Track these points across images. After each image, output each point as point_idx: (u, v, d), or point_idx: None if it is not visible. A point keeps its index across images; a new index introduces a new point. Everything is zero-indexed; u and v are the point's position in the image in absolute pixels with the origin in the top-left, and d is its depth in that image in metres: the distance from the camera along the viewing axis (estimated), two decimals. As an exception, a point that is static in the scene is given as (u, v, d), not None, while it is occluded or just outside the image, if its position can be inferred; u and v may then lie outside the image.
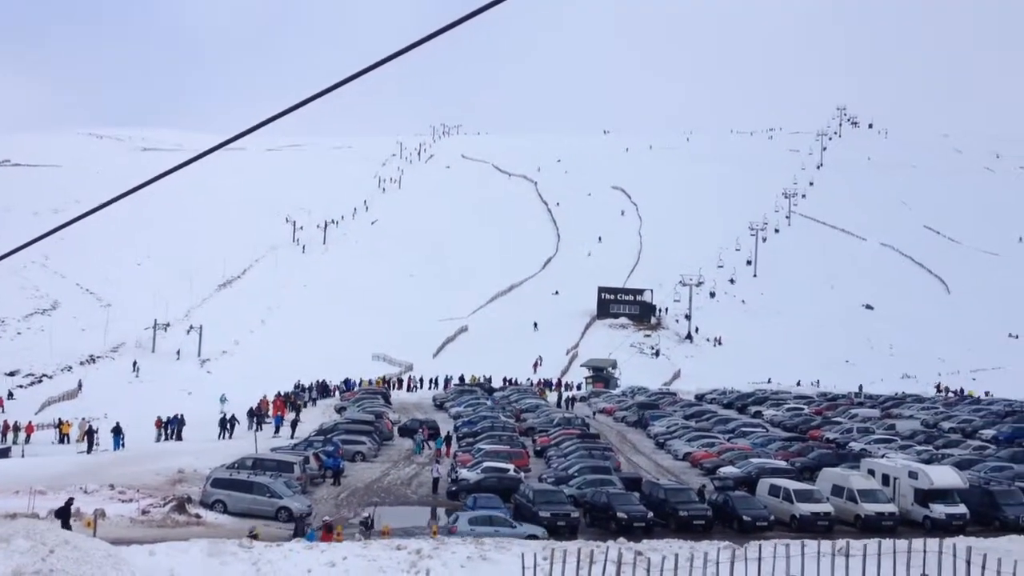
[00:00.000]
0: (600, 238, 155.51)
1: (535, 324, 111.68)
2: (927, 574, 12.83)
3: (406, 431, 56.65)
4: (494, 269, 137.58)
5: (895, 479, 37.03)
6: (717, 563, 13.79)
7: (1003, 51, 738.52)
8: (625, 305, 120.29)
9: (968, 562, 12.84)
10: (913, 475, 36.46)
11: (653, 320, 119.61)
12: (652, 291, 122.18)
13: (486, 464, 41.06)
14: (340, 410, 65.94)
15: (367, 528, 30.73)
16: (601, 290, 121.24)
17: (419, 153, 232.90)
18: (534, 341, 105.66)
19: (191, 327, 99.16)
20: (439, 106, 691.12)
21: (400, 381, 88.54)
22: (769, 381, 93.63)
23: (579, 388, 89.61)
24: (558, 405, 74.40)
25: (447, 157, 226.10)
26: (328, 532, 29.51)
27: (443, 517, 34.78)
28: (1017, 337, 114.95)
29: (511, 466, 41.40)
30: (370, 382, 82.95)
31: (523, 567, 14.65)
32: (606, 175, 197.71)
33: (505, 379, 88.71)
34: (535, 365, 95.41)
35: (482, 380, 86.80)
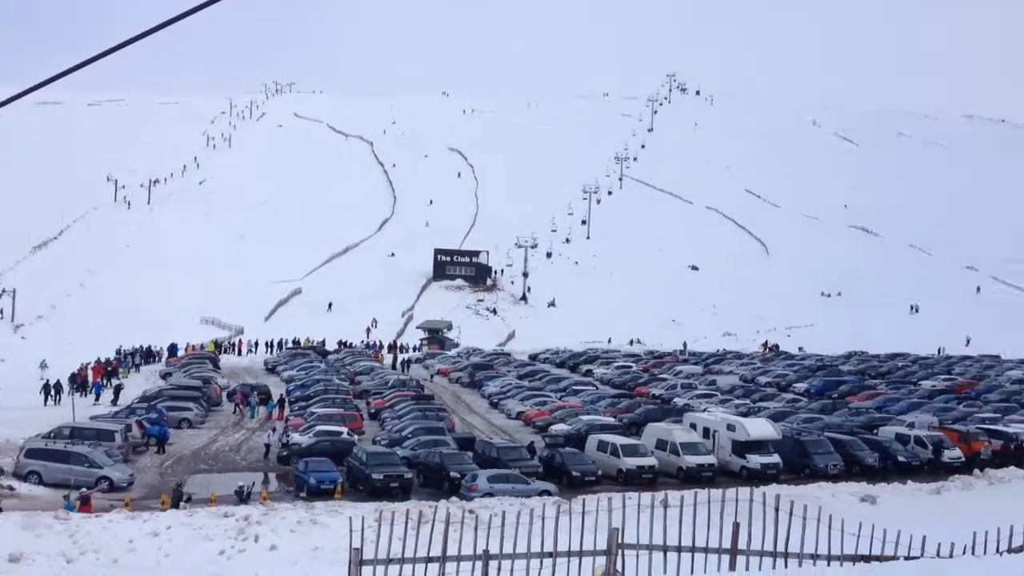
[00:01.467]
0: (431, 201, 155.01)
1: (330, 304, 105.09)
2: (738, 522, 13.44)
3: (236, 395, 55.34)
4: (329, 231, 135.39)
5: (715, 432, 38.72)
6: (543, 518, 14.07)
7: (821, 22, 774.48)
8: (461, 267, 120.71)
9: (776, 509, 13.51)
10: (731, 428, 38.22)
11: (489, 282, 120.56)
12: (488, 253, 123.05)
13: (319, 428, 40.63)
14: (165, 376, 63.89)
15: (178, 497, 29.96)
16: (437, 252, 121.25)
17: (250, 111, 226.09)
18: (369, 303, 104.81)
19: (2, 291, 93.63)
20: (272, 63, 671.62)
21: (233, 345, 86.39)
22: (610, 341, 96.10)
23: (415, 350, 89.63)
24: (393, 367, 74.22)
25: (280, 116, 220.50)
26: (85, 504, 28.41)
27: (274, 482, 34.24)
28: (829, 296, 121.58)
29: (344, 429, 41.12)
30: (201, 347, 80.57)
31: (351, 530, 14.55)
32: (443, 137, 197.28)
33: (340, 342, 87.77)
34: (368, 330, 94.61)
35: (316, 343, 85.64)
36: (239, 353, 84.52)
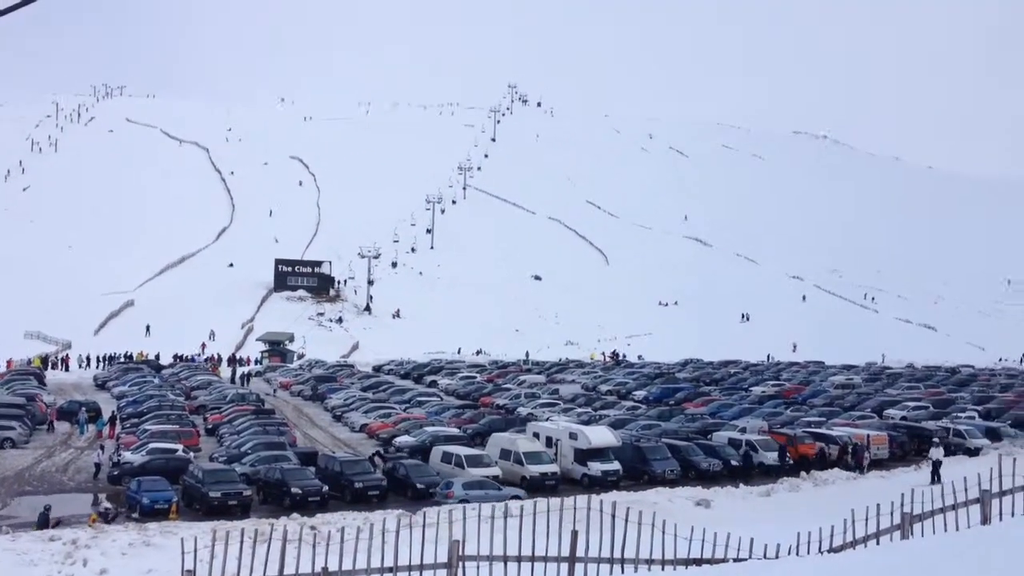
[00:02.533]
0: (271, 212, 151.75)
1: (147, 327, 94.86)
2: (576, 529, 13.69)
3: (65, 414, 52.72)
4: (163, 240, 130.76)
5: (557, 440, 39.30)
6: (383, 532, 13.96)
7: (654, 39, 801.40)
8: (303, 277, 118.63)
9: (613, 516, 13.81)
10: (573, 436, 38.86)
11: (332, 292, 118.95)
12: (331, 263, 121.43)
13: (152, 445, 39.10)
14: (-14, 394, 60.19)
15: (44, 521, 28.51)
16: (278, 262, 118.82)
17: (78, 114, 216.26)
18: (207, 315, 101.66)
19: None
20: (100, 66, 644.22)
21: (61, 360, 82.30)
22: (459, 351, 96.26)
23: (257, 363, 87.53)
24: (232, 381, 72.27)
25: (110, 120, 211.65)
26: None
27: (104, 503, 32.76)
28: (666, 305, 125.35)
29: (180, 446, 39.73)
30: (28, 362, 76.48)
31: (183, 552, 14.07)
32: (283, 144, 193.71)
33: (175, 356, 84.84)
34: (203, 345, 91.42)
35: (149, 357, 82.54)
36: (67, 368, 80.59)
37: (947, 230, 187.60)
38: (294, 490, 32.71)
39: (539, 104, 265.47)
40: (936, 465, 34.46)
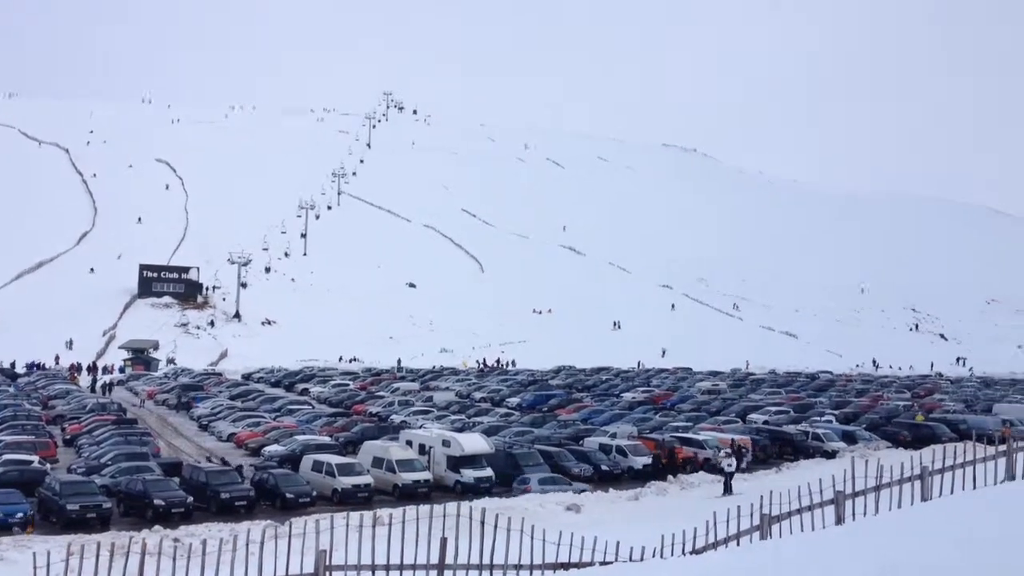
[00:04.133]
0: (140, 219, 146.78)
1: None
2: (446, 536, 13.66)
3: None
4: (20, 244, 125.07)
5: (431, 448, 39.13)
6: (248, 543, 13.64)
7: (530, 49, 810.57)
8: (170, 283, 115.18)
9: (482, 522, 13.85)
10: (446, 443, 38.77)
11: (200, 299, 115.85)
12: (199, 269, 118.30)
13: (5, 457, 37.34)
14: None
15: None
16: (143, 267, 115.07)
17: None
18: (66, 322, 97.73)
19: None
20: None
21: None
22: (341, 359, 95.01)
23: (121, 371, 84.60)
24: (92, 390, 69.64)
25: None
26: None
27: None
28: (540, 313, 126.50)
29: (35, 457, 38.04)
30: None
31: (35, 567, 13.47)
32: (149, 147, 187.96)
33: (30, 364, 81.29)
34: (57, 357, 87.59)
35: (4, 365, 78.90)
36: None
37: (807, 241, 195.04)
38: (157, 502, 31.68)
39: (415, 112, 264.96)
40: (728, 477, 33.83)
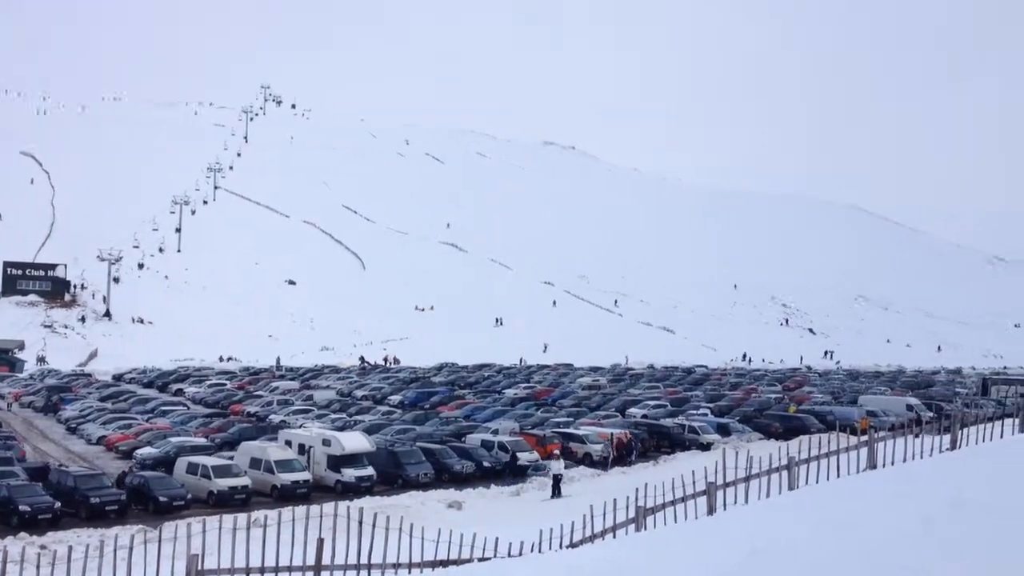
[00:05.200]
0: (2, 215, 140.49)
1: None
2: (322, 537, 13.51)
3: None
4: None
5: (310, 448, 38.60)
6: (116, 549, 13.23)
7: (410, 45, 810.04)
8: (35, 281, 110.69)
9: (360, 522, 13.74)
10: (327, 443, 38.31)
11: (68, 297, 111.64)
12: (66, 266, 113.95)
13: None
14: None
15: None
16: (7, 265, 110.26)
17: None
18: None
19: None
20: None
21: None
22: (222, 359, 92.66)
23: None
24: (-49, 393, 66.40)
25: None
26: None
27: None
28: (423, 310, 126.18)
29: None
30: None
31: None
32: (12, 139, 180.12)
33: None
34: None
35: None
36: None
37: (682, 238, 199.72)
38: (22, 508, 30.40)
39: (293, 106, 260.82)
40: (556, 480, 33.37)
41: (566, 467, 38.20)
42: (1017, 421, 18.61)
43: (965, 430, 17.92)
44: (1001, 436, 17.81)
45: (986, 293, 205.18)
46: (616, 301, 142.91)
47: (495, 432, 45.64)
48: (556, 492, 32.87)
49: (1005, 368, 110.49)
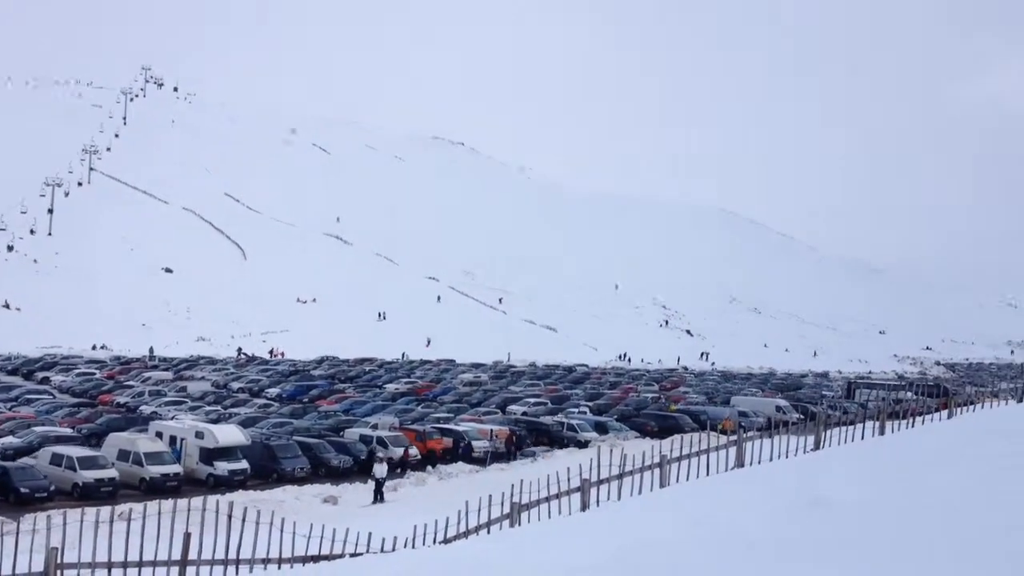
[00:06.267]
0: None
1: None
2: (189, 531, 13.20)
3: None
4: None
5: (182, 440, 37.66)
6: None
7: (296, 29, 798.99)
8: None
9: (230, 516, 13.47)
10: (199, 435, 37.43)
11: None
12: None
13: None
14: None
15: None
16: None
17: None
18: None
19: None
20: None
21: None
22: (95, 347, 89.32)
23: None
24: None
25: None
26: None
27: None
28: (305, 302, 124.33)
29: None
30: None
31: None
32: None
33: None
34: None
35: None
36: None
37: (566, 238, 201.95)
38: None
39: (175, 89, 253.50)
40: (379, 484, 32.14)
41: (447, 463, 38.23)
42: (877, 424, 19.43)
43: (829, 431, 18.62)
44: (862, 437, 18.55)
45: (853, 300, 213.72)
46: (501, 299, 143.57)
47: (374, 427, 45.34)
48: (378, 497, 31.84)
49: (870, 373, 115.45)
